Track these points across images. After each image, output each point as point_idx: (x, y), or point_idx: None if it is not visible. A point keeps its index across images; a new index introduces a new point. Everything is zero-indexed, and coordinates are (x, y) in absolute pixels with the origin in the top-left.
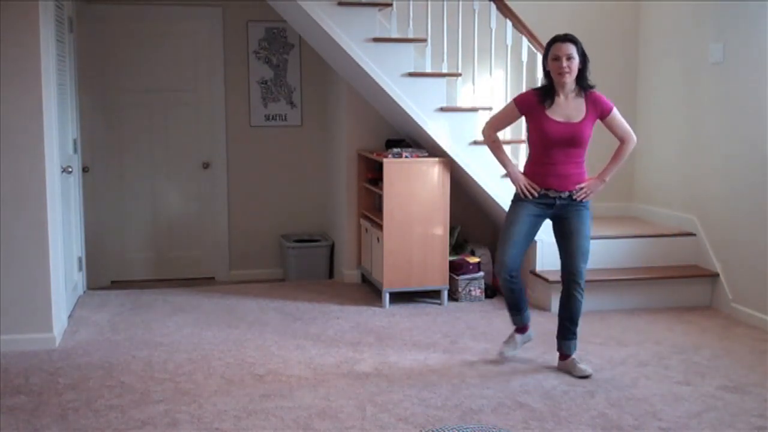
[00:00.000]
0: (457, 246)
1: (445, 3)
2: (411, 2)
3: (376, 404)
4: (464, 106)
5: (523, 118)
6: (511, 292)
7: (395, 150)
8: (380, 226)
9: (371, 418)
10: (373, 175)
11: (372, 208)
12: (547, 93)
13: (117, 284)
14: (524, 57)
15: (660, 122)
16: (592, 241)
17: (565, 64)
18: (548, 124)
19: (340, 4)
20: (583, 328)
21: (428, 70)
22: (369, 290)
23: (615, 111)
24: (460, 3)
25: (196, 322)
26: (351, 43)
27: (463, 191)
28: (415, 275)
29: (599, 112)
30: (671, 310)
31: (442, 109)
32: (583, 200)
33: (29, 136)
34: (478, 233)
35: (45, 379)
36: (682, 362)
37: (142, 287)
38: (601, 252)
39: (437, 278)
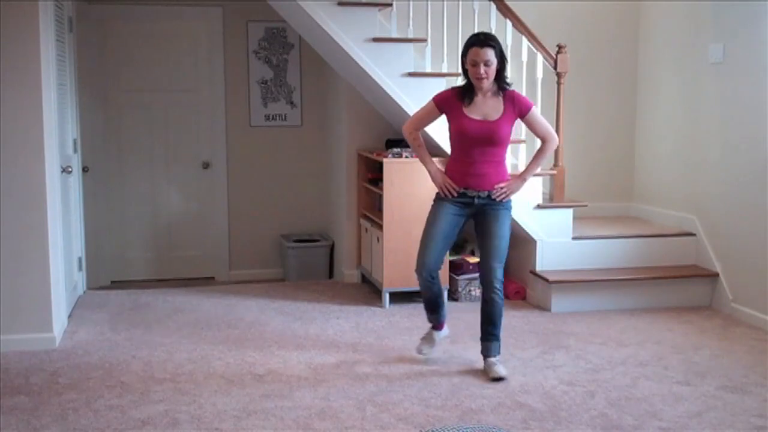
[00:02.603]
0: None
1: (445, 3)
2: (411, 2)
3: (376, 404)
4: None
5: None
6: (430, 292)
7: (395, 150)
8: (380, 226)
9: (371, 418)
10: (373, 175)
11: (372, 208)
12: (466, 92)
13: (117, 284)
14: (524, 57)
15: (660, 122)
16: (592, 241)
17: (482, 70)
18: (466, 122)
19: (340, 4)
20: (583, 328)
21: (428, 70)
22: (369, 290)
23: (534, 110)
24: (460, 3)
25: (196, 322)
26: (351, 43)
27: None
28: (415, 275)
29: (518, 110)
30: (671, 310)
31: None
32: (503, 200)
33: (29, 136)
34: None
35: (45, 379)
36: (682, 362)
37: (142, 287)
38: (601, 252)
39: None
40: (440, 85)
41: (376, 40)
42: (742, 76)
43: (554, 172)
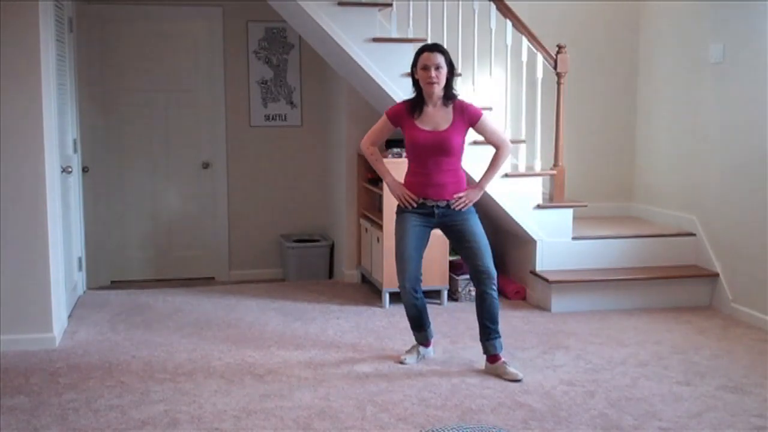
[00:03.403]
0: None
1: (445, 3)
2: (411, 2)
3: (376, 404)
4: None
5: None
6: (415, 308)
7: (395, 150)
8: (380, 226)
9: (371, 418)
10: (373, 175)
11: (372, 208)
12: (416, 103)
13: (117, 284)
14: (524, 57)
15: (660, 122)
16: (592, 241)
17: (433, 74)
18: (417, 133)
19: (340, 4)
20: (583, 328)
21: None
22: (369, 290)
23: (485, 118)
24: (460, 3)
25: (196, 322)
26: (351, 43)
27: None
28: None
29: (468, 119)
30: (671, 310)
31: None
32: (462, 209)
33: (29, 136)
34: None
35: (45, 379)
36: (682, 362)
37: (142, 287)
38: (601, 252)
39: (437, 278)
40: None
41: (376, 40)
42: (742, 76)
43: (554, 172)
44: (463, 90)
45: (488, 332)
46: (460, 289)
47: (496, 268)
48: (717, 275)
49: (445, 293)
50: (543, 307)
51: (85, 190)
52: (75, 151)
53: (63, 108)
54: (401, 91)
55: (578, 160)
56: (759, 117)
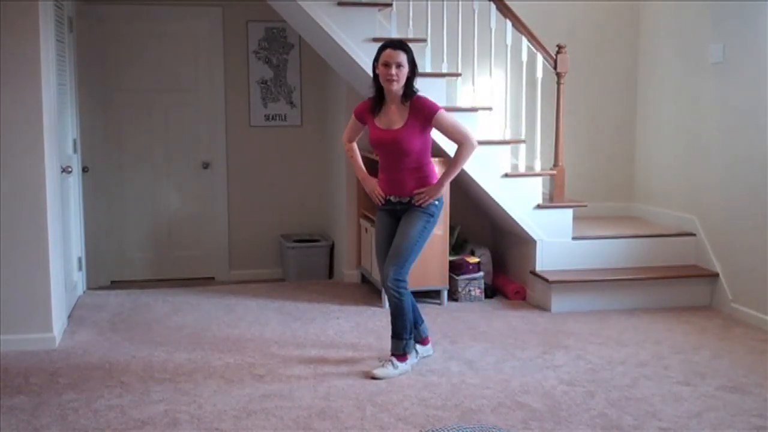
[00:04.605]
0: (457, 246)
1: (445, 3)
2: (411, 2)
3: (376, 404)
4: (464, 106)
5: None
6: (400, 304)
7: None
8: None
9: (371, 418)
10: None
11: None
12: (376, 102)
13: (117, 284)
14: (524, 57)
15: (660, 122)
16: (592, 241)
17: (393, 71)
18: (373, 131)
19: (340, 4)
20: (582, 328)
21: (428, 70)
22: (369, 290)
23: (441, 114)
24: (460, 3)
25: (197, 322)
26: (351, 43)
27: (463, 191)
28: (414, 275)
29: (422, 116)
30: (671, 310)
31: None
32: (422, 205)
33: (29, 136)
34: (478, 233)
35: (45, 379)
36: (682, 362)
37: (142, 287)
38: (601, 252)
39: (437, 278)
40: (440, 85)
41: (376, 40)
42: (742, 76)
43: (554, 172)
44: (463, 90)
45: (391, 329)
46: (460, 289)
47: (497, 268)
48: (717, 275)
49: (445, 293)
50: (543, 307)
51: (85, 190)
52: (75, 151)
53: (63, 108)
54: None
55: (578, 160)
56: (759, 117)
